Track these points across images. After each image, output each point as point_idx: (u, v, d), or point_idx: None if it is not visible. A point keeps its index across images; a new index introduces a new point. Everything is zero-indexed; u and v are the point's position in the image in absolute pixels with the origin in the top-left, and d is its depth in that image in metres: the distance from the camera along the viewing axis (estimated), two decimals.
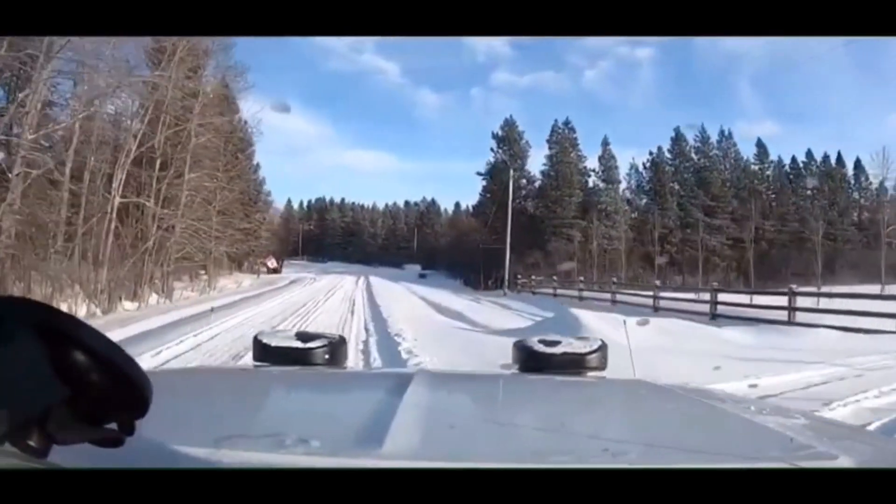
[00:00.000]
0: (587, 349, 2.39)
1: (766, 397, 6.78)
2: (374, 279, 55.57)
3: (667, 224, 60.49)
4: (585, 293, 33.47)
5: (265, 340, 2.40)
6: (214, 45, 29.95)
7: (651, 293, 25.87)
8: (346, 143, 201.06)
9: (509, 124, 66.62)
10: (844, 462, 1.19)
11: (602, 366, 2.39)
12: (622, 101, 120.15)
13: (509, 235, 49.98)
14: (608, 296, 30.45)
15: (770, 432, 1.50)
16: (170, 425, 1.21)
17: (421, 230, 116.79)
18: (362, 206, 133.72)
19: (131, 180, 26.30)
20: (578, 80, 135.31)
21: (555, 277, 42.29)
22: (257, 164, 56.13)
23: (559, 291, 37.48)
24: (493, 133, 67.24)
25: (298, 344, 2.39)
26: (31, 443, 0.73)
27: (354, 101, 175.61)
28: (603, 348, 2.41)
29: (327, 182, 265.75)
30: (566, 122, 66.10)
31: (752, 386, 7.77)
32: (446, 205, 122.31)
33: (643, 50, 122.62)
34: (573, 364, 2.34)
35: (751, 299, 22.04)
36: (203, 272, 38.44)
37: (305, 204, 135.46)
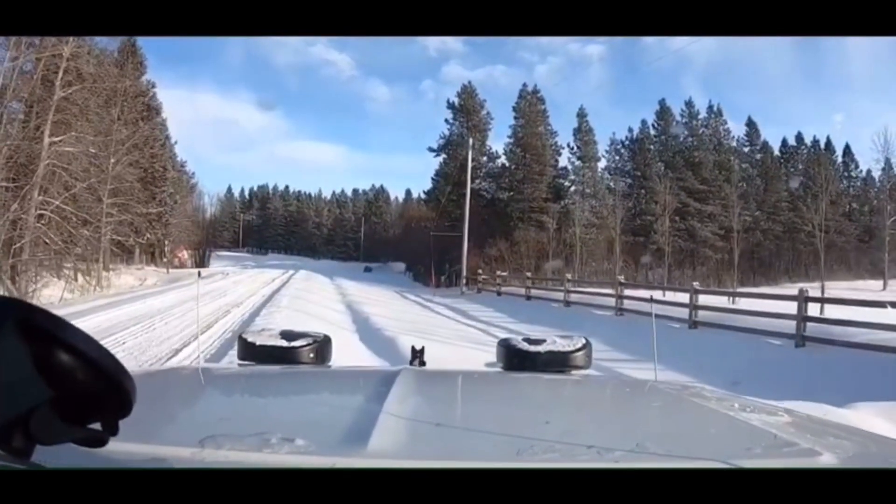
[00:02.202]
0: (572, 347, 2.42)
1: None
2: (302, 273, 50.84)
3: (653, 210, 53.42)
4: (572, 295, 24.71)
5: (250, 339, 2.43)
6: None
7: (689, 301, 17.48)
8: (296, 134, 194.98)
9: (468, 91, 58.41)
10: (828, 459, 1.23)
11: (586, 364, 2.45)
12: (574, 98, 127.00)
13: (467, 221, 41.60)
14: (603, 300, 21.73)
15: (754, 429, 1.53)
16: (154, 425, 1.27)
17: (369, 220, 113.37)
18: (308, 195, 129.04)
19: None
20: (530, 75, 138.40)
21: (528, 274, 33.23)
22: (167, 137, 48.45)
23: (532, 291, 28.92)
24: (448, 102, 59.20)
25: (283, 343, 2.41)
26: (15, 443, 0.74)
27: (305, 92, 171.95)
28: (587, 346, 2.45)
29: (274, 173, 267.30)
30: (534, 91, 57.85)
31: None
32: (397, 192, 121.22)
33: (594, 47, 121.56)
34: (558, 362, 2.37)
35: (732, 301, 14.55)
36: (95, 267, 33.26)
37: (246, 192, 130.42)
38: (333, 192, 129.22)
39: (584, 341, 2.43)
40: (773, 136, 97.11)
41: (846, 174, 63.94)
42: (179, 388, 2.01)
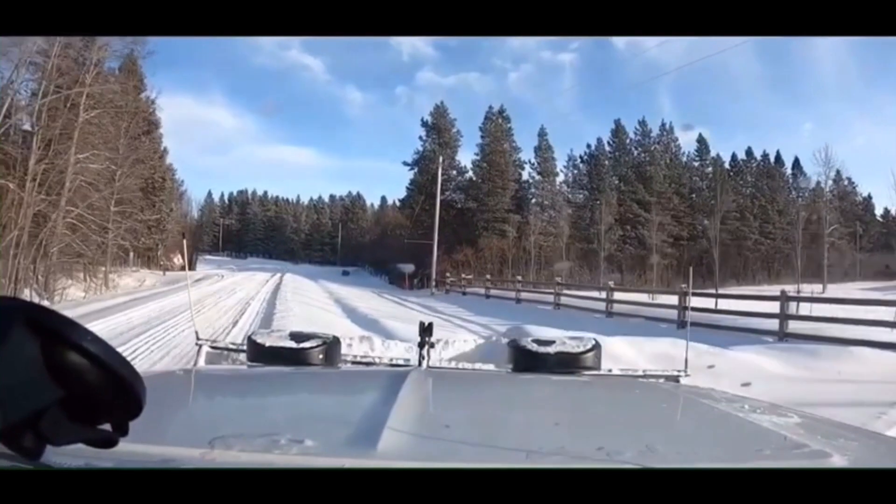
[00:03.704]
0: (581, 349, 2.50)
1: None
2: (288, 276, 52.95)
3: (606, 220, 57.22)
4: (523, 294, 29.74)
5: (260, 340, 2.51)
6: None
7: (603, 296, 22.70)
8: (271, 138, 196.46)
9: (440, 111, 62.85)
10: (837, 460, 1.23)
11: (596, 365, 2.53)
12: (546, 104, 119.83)
13: (437, 230, 46.08)
14: (550, 297, 26.59)
15: (764, 431, 1.53)
16: (163, 426, 1.28)
17: (346, 225, 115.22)
18: (286, 200, 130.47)
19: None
20: (503, 82, 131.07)
21: (488, 276, 38.29)
22: (164, 149, 51.85)
23: (492, 292, 33.69)
24: (422, 120, 63.78)
25: (293, 344, 2.46)
26: (25, 444, 0.73)
27: (279, 97, 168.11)
28: (596, 348, 2.53)
29: (251, 177, 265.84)
30: (501, 111, 62.78)
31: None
32: (372, 199, 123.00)
33: (565, 55, 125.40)
34: (567, 364, 2.45)
35: (715, 304, 19.42)
36: (102, 269, 35.75)
37: (226, 197, 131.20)
38: (311, 198, 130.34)
39: (593, 343, 2.48)
40: (740, 143, 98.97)
41: (795, 185, 67.28)
42: (189, 389, 2.01)
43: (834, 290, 42.00)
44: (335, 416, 1.59)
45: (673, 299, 18.86)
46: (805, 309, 16.04)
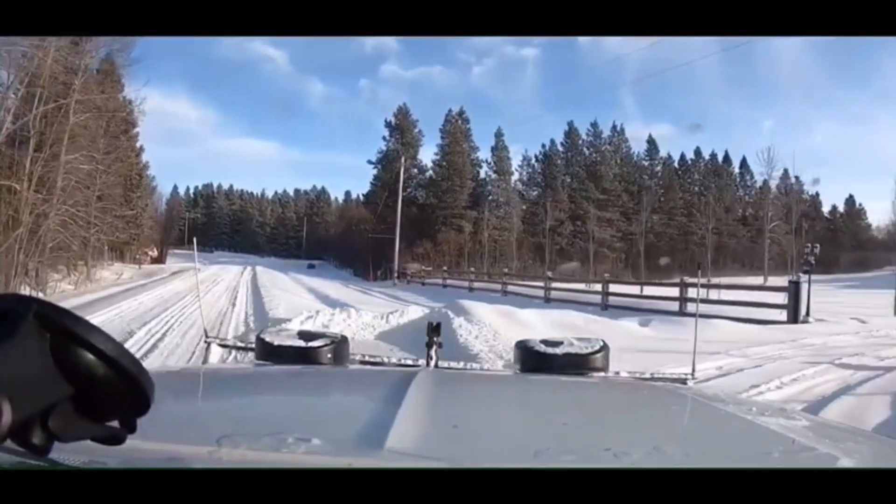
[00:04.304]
0: (589, 350, 2.40)
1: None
2: (260, 268, 55.11)
3: (558, 216, 61.66)
4: (476, 283, 33.34)
5: (268, 339, 2.43)
6: None
7: (542, 284, 26.41)
8: (234, 131, 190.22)
9: (403, 112, 66.16)
10: (846, 464, 1.21)
11: (604, 367, 2.42)
12: (509, 99, 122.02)
13: (399, 225, 49.42)
14: (499, 286, 30.43)
15: (772, 434, 1.52)
16: (171, 424, 1.25)
17: (311, 219, 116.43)
18: (251, 194, 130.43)
19: (4, 161, 25.09)
20: (466, 76, 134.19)
21: (444, 268, 42.19)
22: (140, 147, 53.74)
23: (448, 282, 37.17)
24: (385, 121, 67.03)
25: (301, 343, 2.41)
26: (34, 440, 0.73)
27: (242, 89, 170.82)
28: (605, 349, 2.42)
29: (215, 169, 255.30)
30: (460, 113, 66.37)
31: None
32: (337, 193, 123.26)
33: (529, 49, 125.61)
34: (575, 365, 2.36)
35: (641, 290, 23.74)
36: (81, 263, 36.78)
37: (192, 190, 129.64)
38: (276, 192, 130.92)
39: (601, 343, 2.44)
40: (702, 140, 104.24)
41: (742, 183, 72.48)
42: (197, 387, 2.01)
43: (773, 281, 44.73)
44: (342, 416, 1.59)
45: (614, 287, 22.77)
46: (704, 294, 19.78)
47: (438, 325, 2.71)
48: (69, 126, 28.49)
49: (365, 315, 13.17)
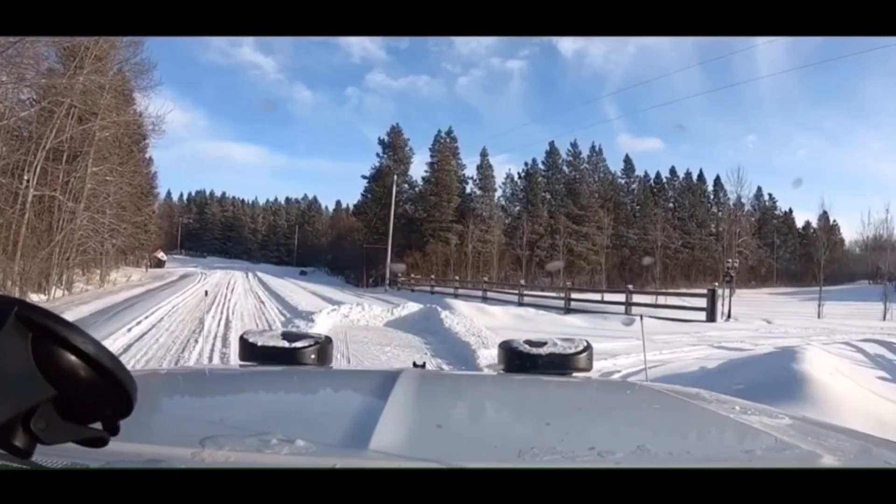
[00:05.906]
0: (573, 350, 2.37)
1: None
2: (258, 273, 57.46)
3: (537, 230, 65.21)
4: (460, 290, 37.07)
5: (251, 340, 2.38)
6: (124, 41, 29.88)
7: (517, 291, 30.55)
8: (222, 136, 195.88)
9: (395, 131, 69.20)
10: (828, 462, 1.26)
11: (588, 367, 2.38)
12: (494, 109, 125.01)
13: (391, 237, 52.06)
14: (480, 293, 34.06)
15: (755, 432, 1.51)
16: (154, 425, 1.32)
17: (302, 227, 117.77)
18: (243, 201, 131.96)
19: (45, 173, 26.94)
20: (452, 86, 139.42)
21: (432, 276, 46.13)
22: (150, 158, 56.26)
23: (436, 289, 40.74)
24: (379, 138, 69.88)
25: (285, 343, 2.37)
26: (16, 443, 0.73)
27: (230, 95, 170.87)
28: (589, 349, 2.39)
29: (204, 176, 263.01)
30: (449, 132, 69.73)
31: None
32: (327, 202, 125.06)
33: (514, 61, 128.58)
34: (559, 364, 2.32)
35: (602, 297, 28.07)
36: (94, 266, 38.77)
37: (185, 196, 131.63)
38: (268, 200, 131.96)
39: (585, 344, 2.41)
40: (684, 152, 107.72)
41: (716, 200, 75.11)
42: (180, 389, 2.00)
43: (744, 293, 46.83)
44: (327, 416, 1.57)
45: (581, 294, 27.06)
46: (653, 299, 24.80)
47: (424, 364, 2.61)
48: (96, 141, 30.84)
49: (375, 308, 17.57)
